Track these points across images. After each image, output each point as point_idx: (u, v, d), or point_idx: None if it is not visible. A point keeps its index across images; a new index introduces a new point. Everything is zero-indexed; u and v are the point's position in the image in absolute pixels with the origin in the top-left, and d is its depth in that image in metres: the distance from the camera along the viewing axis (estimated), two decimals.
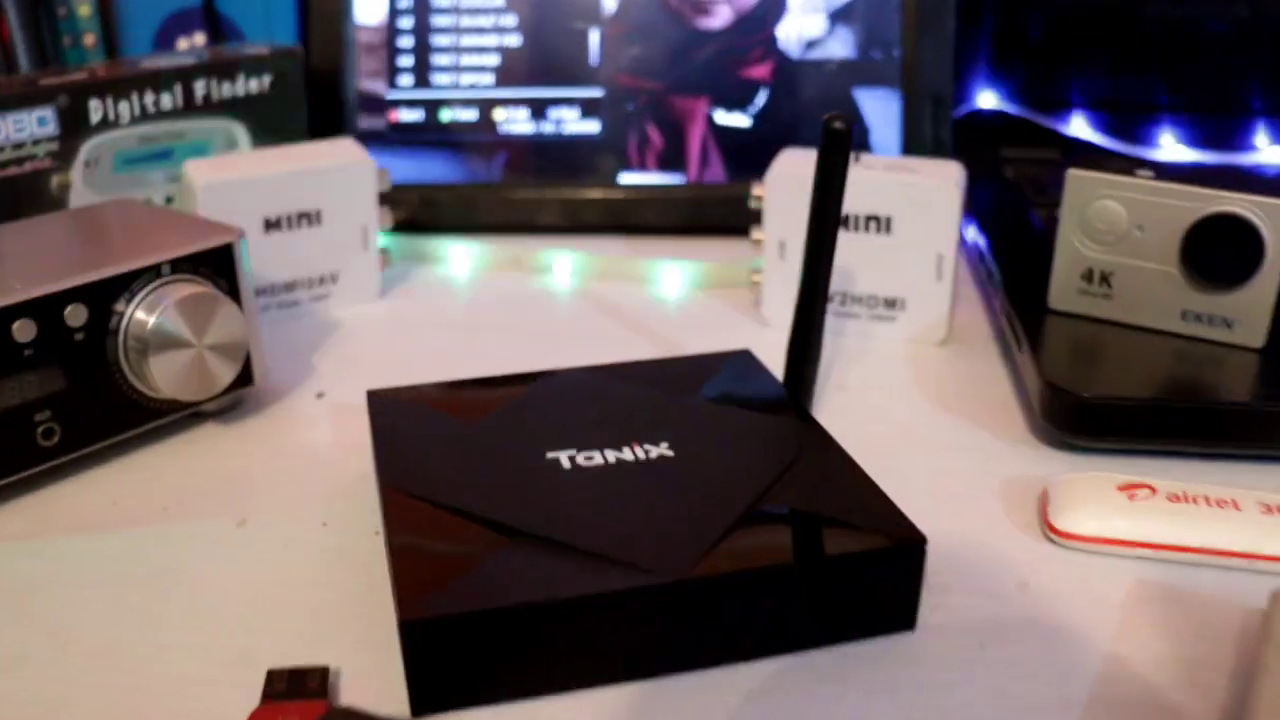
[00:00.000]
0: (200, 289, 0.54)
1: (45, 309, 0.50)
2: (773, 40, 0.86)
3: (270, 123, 0.79)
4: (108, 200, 0.67)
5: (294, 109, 0.80)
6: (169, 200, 0.75)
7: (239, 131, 0.78)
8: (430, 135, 0.87)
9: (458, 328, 0.70)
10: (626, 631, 0.38)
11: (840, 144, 0.50)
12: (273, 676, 0.39)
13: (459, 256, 0.81)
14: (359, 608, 0.43)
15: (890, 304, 0.67)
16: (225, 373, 0.56)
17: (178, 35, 0.93)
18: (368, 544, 0.47)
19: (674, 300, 0.75)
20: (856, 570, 0.40)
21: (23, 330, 0.49)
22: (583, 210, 0.86)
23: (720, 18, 0.86)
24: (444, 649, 0.37)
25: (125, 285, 0.53)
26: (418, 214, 0.85)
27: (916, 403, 0.60)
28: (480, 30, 0.87)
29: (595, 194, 0.86)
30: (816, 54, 0.86)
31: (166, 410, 0.55)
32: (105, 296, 0.52)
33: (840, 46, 0.86)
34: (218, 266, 0.56)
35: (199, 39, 0.92)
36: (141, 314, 0.53)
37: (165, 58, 0.77)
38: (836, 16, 0.86)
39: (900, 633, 0.42)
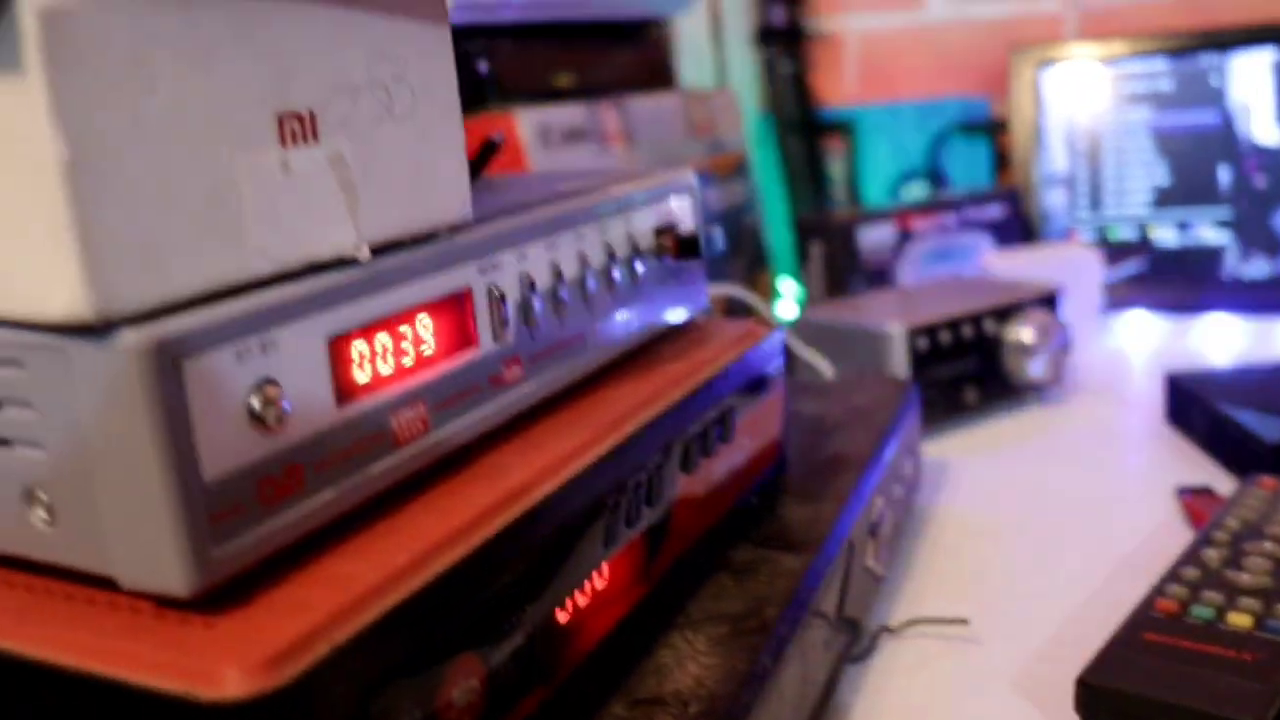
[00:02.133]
0: (1047, 316, 0.89)
1: (975, 321, 0.87)
2: None
3: (1004, 236, 1.16)
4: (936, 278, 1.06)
5: (1014, 229, 1.17)
6: None
7: (985, 242, 1.15)
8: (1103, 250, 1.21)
9: None
10: None
11: None
12: None
13: None
14: None
15: None
16: (1061, 365, 0.91)
17: (902, 187, 1.33)
18: None
19: None
20: None
21: (966, 331, 0.86)
22: None
23: None
24: None
25: (1008, 312, 0.89)
26: None
27: None
28: (1135, 170, 1.21)
29: None
30: None
31: (1025, 389, 0.91)
32: (1000, 316, 0.88)
33: None
34: (1050, 304, 0.91)
35: (919, 189, 1.32)
36: (1015, 330, 0.89)
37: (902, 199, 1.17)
38: None
39: None
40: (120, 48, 0.28)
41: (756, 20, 1.35)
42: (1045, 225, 1.22)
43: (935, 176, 1.30)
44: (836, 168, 1.35)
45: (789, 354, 0.91)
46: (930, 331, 0.85)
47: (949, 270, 1.12)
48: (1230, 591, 0.54)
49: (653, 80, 1.07)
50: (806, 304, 1.13)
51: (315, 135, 0.34)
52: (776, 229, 1.26)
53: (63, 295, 0.28)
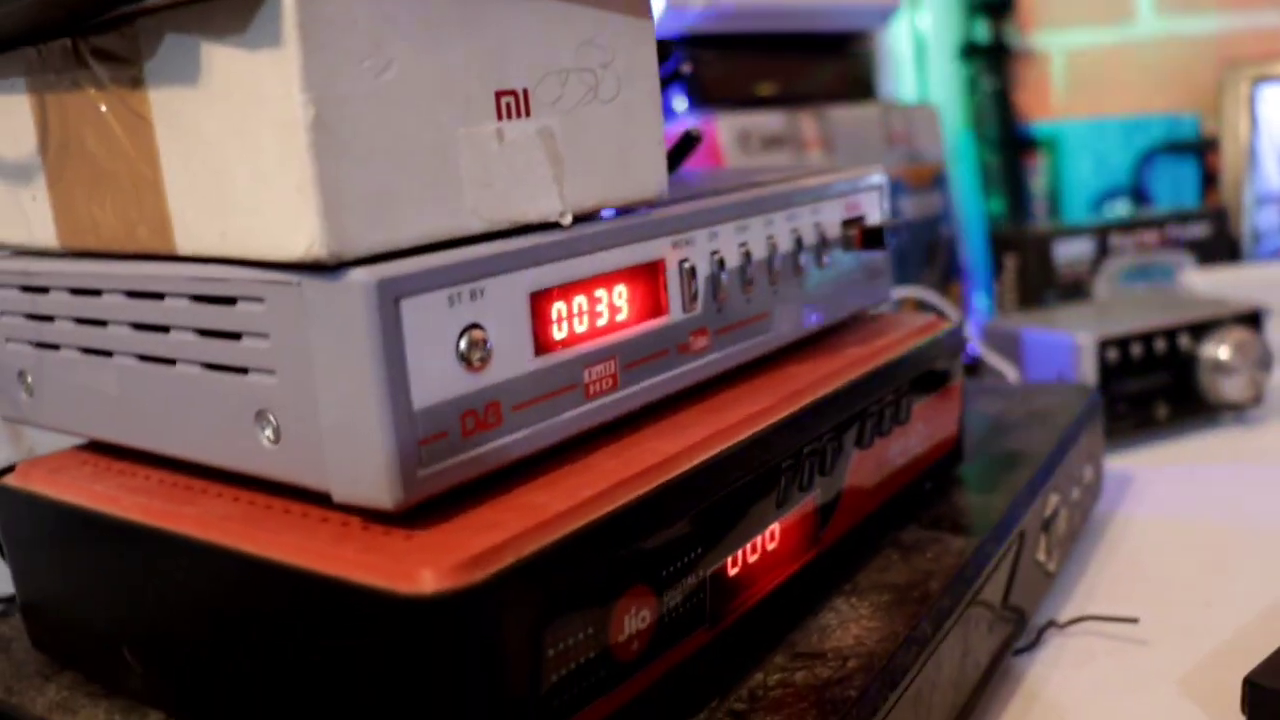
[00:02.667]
0: (1248, 334, 0.87)
1: (1168, 335, 0.86)
2: None
3: (1208, 256, 1.13)
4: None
5: (1220, 250, 1.14)
6: None
7: (1187, 261, 1.13)
8: None
9: None
10: None
11: None
12: None
13: None
14: None
15: None
16: (1262, 385, 0.88)
17: (1105, 205, 1.31)
18: None
19: None
20: None
21: (1158, 345, 0.85)
22: None
23: None
24: None
25: (1205, 328, 0.87)
26: None
27: None
28: None
29: None
30: None
31: (1221, 409, 0.89)
32: (1195, 333, 0.87)
33: None
34: (1252, 322, 0.89)
35: (1121, 208, 1.30)
36: (1212, 347, 0.87)
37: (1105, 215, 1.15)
38: None
39: None
40: (362, 26, 0.33)
41: (961, 36, 1.35)
42: (1254, 246, 1.18)
43: (1139, 195, 1.27)
44: (1038, 184, 1.34)
45: (976, 359, 0.92)
46: (1121, 344, 0.84)
47: (1147, 288, 1.10)
48: None
49: (854, 93, 1.09)
50: (998, 314, 1.12)
51: (528, 111, 0.38)
52: (975, 244, 1.26)
53: (303, 237, 0.32)
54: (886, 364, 0.50)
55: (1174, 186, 1.28)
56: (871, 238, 0.53)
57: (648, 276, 0.42)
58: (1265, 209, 1.19)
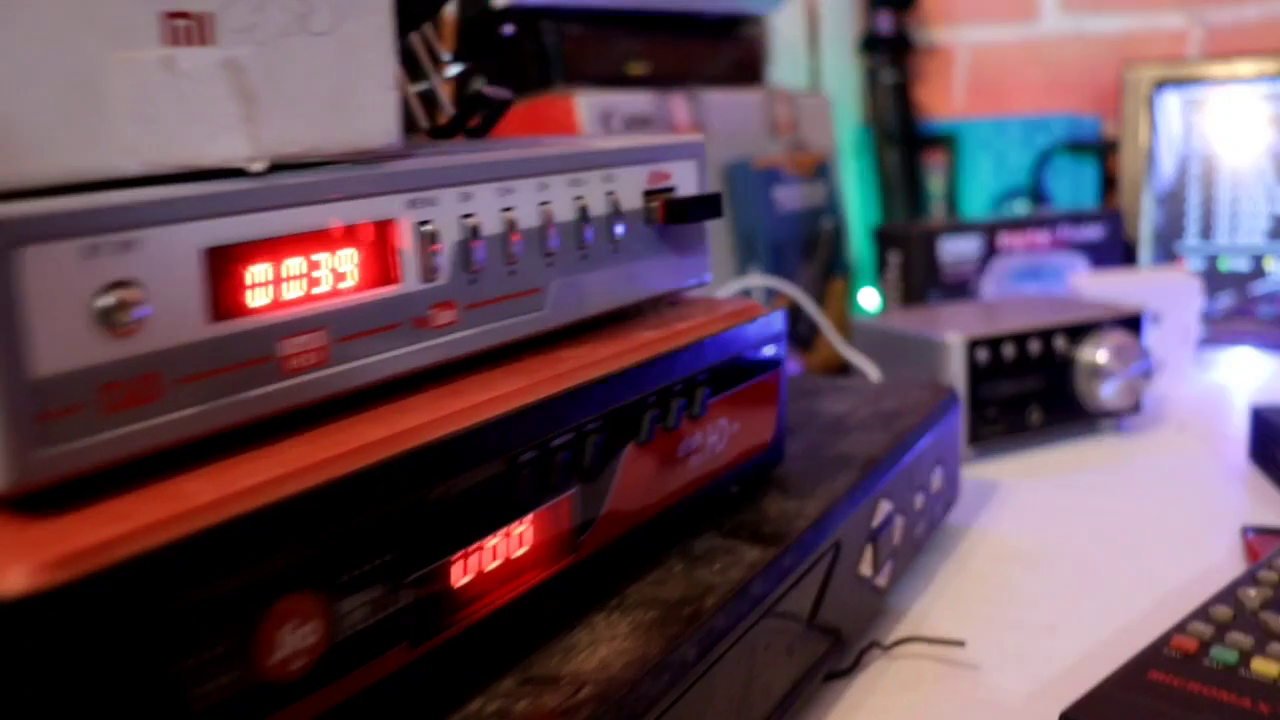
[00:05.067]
0: (1127, 338, 0.83)
1: (1043, 336, 0.82)
2: None
3: (1101, 259, 1.09)
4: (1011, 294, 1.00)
5: (1114, 252, 1.10)
6: None
7: (1080, 263, 1.09)
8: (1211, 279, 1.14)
9: None
10: None
11: None
12: None
13: None
14: None
15: None
16: (1139, 392, 0.84)
17: (1004, 205, 1.27)
18: None
19: None
20: None
21: (1033, 347, 0.81)
22: None
23: None
24: None
25: (1083, 331, 0.83)
26: None
27: None
28: (1254, 198, 1.13)
29: None
30: None
31: (1098, 416, 0.85)
32: (1073, 335, 0.83)
33: None
34: (1132, 326, 0.85)
35: (1020, 206, 1.26)
36: (1089, 350, 0.83)
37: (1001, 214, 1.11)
38: None
39: None
40: None
41: (861, 28, 1.31)
42: (1148, 251, 1.15)
43: (1038, 195, 1.24)
44: (936, 182, 1.30)
45: (844, 363, 0.87)
46: (992, 344, 0.80)
47: (1036, 289, 1.07)
48: (1263, 635, 0.49)
49: (740, 79, 1.04)
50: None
51: (210, 38, 0.32)
52: (866, 242, 1.22)
53: None
54: (676, 350, 0.45)
55: (1074, 188, 1.24)
56: (676, 211, 0.48)
57: (372, 238, 0.37)
58: (1160, 214, 1.16)
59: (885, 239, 1.05)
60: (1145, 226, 1.16)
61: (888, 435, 0.59)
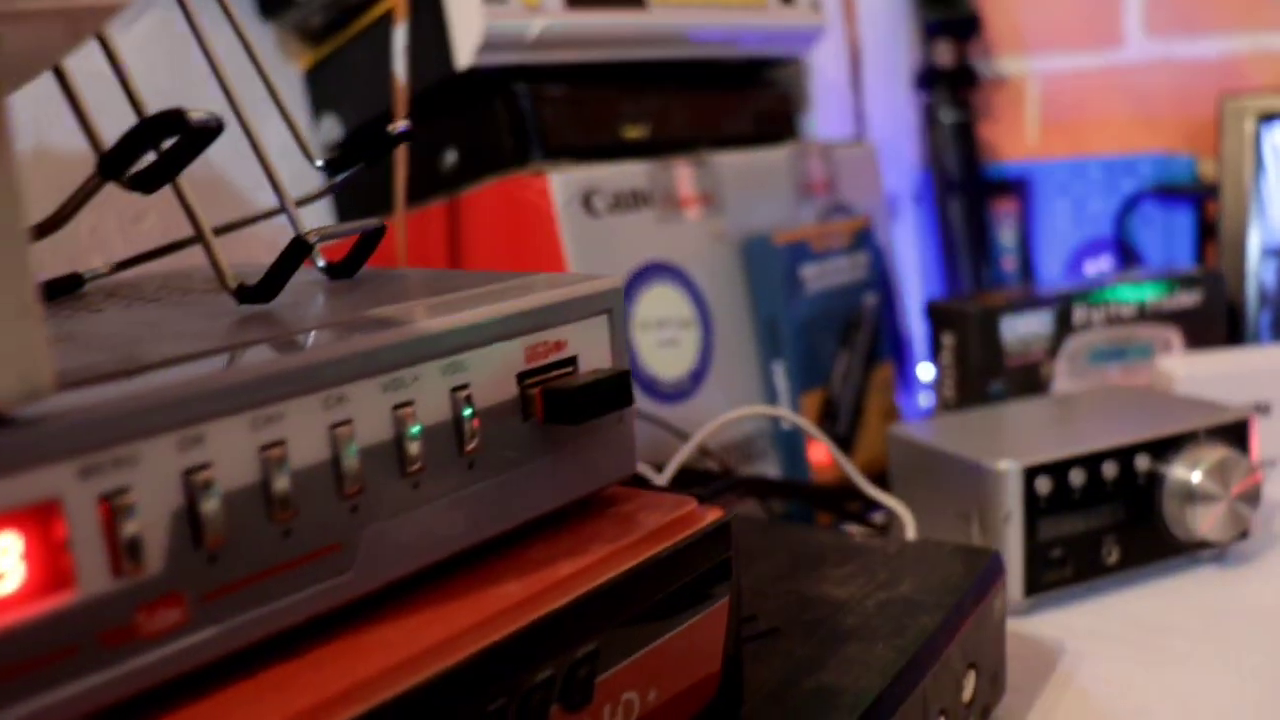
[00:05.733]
0: (1229, 452, 0.68)
1: (1122, 457, 0.66)
2: None
3: (1196, 331, 0.93)
4: (1091, 387, 0.84)
5: (1215, 321, 0.94)
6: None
7: (1172, 335, 0.93)
8: None
9: None
10: None
11: None
12: None
13: None
14: None
15: None
16: (1246, 518, 0.68)
17: (1086, 259, 1.11)
18: None
19: None
20: None
21: (1108, 470, 0.66)
22: None
23: None
24: None
25: (1173, 445, 0.68)
26: None
27: None
28: None
29: None
30: None
31: (1193, 547, 0.69)
32: (1159, 452, 0.67)
33: None
34: (1236, 436, 0.69)
35: (1104, 263, 1.10)
36: (1182, 470, 0.67)
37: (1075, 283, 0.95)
38: None
39: None
40: None
41: (916, 60, 1.15)
42: (1255, 319, 0.98)
43: (1124, 248, 1.08)
44: (1007, 234, 1.15)
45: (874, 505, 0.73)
46: (1057, 470, 0.65)
47: (1118, 372, 0.91)
48: None
49: (764, 135, 0.90)
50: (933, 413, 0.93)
51: None
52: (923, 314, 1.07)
53: None
54: (548, 617, 0.32)
55: (1165, 239, 1.08)
56: (560, 404, 0.35)
57: (28, 529, 0.24)
58: (1269, 272, 0.99)
59: (937, 316, 0.90)
60: (1251, 289, 0.99)
61: (895, 650, 0.45)
